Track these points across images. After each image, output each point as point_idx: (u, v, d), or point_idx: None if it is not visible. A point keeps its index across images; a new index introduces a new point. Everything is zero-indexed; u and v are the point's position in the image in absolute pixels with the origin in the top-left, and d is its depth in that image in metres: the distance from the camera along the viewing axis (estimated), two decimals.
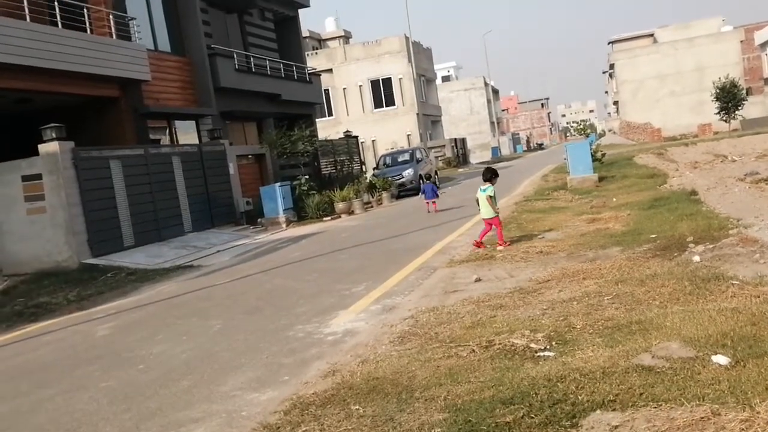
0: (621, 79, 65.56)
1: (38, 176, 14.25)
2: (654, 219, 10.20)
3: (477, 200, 10.17)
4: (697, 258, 6.93)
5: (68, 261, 14.09)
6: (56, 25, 15.98)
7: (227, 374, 5.60)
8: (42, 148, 14.28)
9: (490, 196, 9.95)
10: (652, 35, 76.65)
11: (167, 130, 20.53)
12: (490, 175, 10.24)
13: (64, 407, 5.42)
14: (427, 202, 17.74)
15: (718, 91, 45.16)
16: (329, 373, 5.06)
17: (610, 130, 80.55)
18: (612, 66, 70.17)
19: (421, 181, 26.87)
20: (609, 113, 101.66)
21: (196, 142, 20.78)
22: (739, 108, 45.43)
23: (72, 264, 14.03)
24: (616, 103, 74.08)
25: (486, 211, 9.96)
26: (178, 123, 20.84)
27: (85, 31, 16.82)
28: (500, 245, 9.66)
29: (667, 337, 4.51)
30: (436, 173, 30.40)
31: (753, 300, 5.15)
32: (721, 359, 3.96)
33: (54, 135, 14.28)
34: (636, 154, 30.80)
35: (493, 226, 9.98)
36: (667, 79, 62.02)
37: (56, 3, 16.01)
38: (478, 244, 9.94)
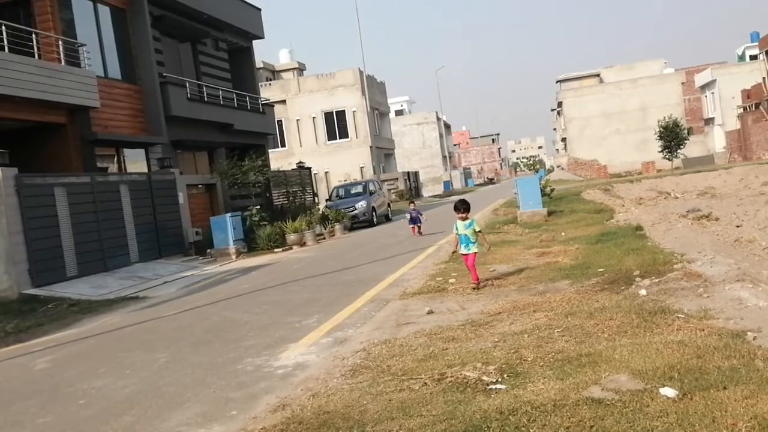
0: (568, 117, 67.38)
1: None
2: (602, 253, 10.38)
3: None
4: (643, 291, 7.07)
5: (7, 291, 13.57)
6: (2, 49, 15.62)
7: (172, 409, 5.42)
8: None
9: (456, 232, 9.14)
10: (598, 75, 79.20)
11: (115, 158, 20.14)
12: (460, 208, 9.10)
13: None
14: (413, 227, 19.01)
15: (661, 130, 46.68)
16: (279, 407, 4.95)
17: (558, 166, 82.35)
18: (560, 104, 72.12)
19: (374, 212, 27.06)
20: (557, 149, 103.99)
21: (145, 170, 20.42)
22: (681, 147, 47.02)
23: (11, 294, 13.52)
24: (564, 139, 75.98)
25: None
26: (126, 151, 20.47)
27: (33, 56, 16.50)
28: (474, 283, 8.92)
29: (616, 370, 4.56)
30: (389, 205, 30.49)
31: (698, 333, 5.26)
32: (668, 392, 4.01)
33: None
34: (583, 189, 31.50)
35: (475, 258, 9.01)
36: (612, 118, 64.02)
37: (2, 27, 15.68)
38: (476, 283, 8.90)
